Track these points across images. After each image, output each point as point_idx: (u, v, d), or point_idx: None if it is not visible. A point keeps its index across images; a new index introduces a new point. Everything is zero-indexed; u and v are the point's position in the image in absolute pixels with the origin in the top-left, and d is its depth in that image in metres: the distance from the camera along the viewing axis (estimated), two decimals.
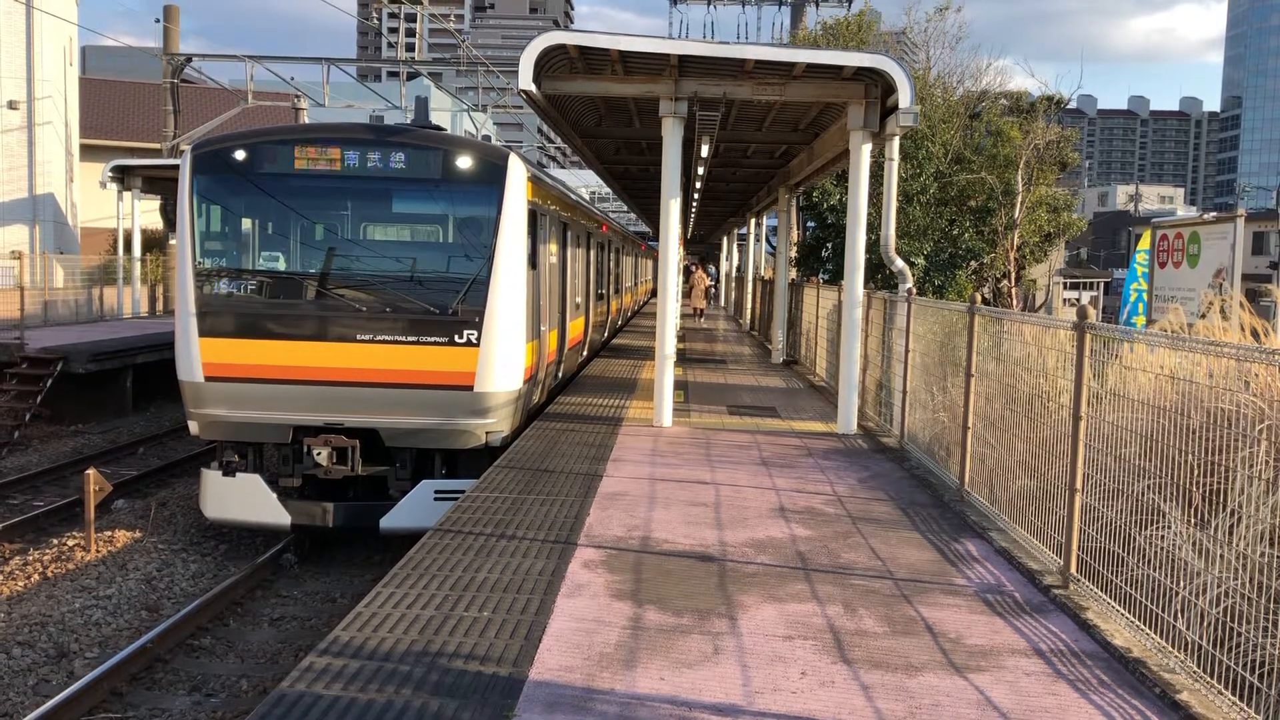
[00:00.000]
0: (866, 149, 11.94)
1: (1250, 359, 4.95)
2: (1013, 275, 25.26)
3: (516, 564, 6.57)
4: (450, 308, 10.34)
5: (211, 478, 10.71)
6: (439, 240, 11.11)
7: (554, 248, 13.50)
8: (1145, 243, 16.37)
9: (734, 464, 10.00)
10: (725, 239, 43.58)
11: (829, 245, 24.67)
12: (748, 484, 9.14)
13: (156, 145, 30.38)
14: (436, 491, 10.36)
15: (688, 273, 33.60)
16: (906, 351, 10.79)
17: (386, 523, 10.36)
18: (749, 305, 30.70)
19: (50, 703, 7.03)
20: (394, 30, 29.79)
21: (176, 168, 11.22)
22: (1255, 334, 6.84)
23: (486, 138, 12.54)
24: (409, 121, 11.68)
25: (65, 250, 29.82)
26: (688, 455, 10.36)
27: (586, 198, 30.07)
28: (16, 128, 28.78)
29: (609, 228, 23.22)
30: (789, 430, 12.09)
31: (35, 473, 14.46)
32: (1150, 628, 5.28)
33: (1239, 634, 4.65)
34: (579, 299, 16.57)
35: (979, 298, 8.97)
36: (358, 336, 10.30)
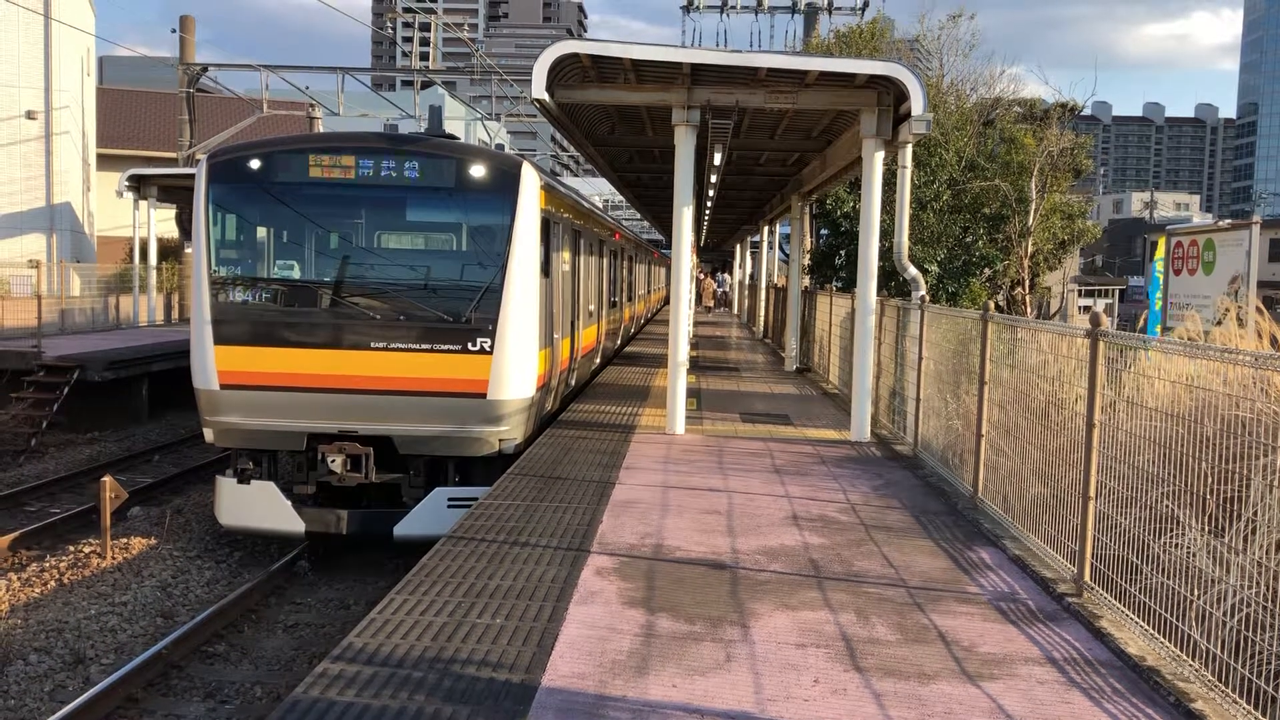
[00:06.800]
0: (879, 156, 11.93)
1: (1268, 366, 4.92)
2: (1027, 283, 25.16)
3: (529, 571, 6.58)
4: (463, 316, 10.37)
5: (226, 485, 10.76)
6: (452, 248, 11.15)
7: (567, 255, 13.53)
8: (1162, 250, 16.31)
9: (747, 471, 9.99)
10: (739, 246, 43.59)
11: (842, 253, 24.64)
12: (761, 491, 9.13)
13: (172, 154, 30.58)
14: (450, 499, 10.38)
15: (697, 281, 33.85)
16: (920, 359, 10.77)
17: (400, 530, 10.39)
18: (762, 313, 30.67)
19: (66, 708, 7.07)
20: (408, 39, 29.88)
21: (192, 176, 11.29)
22: (1274, 341, 6.80)
23: (500, 146, 12.58)
24: (423, 130, 11.73)
25: (82, 259, 30.05)
26: (700, 463, 10.36)
27: (600, 206, 30.13)
28: (34, 137, 29.03)
29: (621, 235, 23.26)
30: (802, 438, 12.07)
31: (52, 480, 14.56)
32: (1165, 636, 5.25)
33: (1255, 643, 4.62)
34: (592, 306, 16.60)
35: (993, 305, 8.95)
36: (371, 344, 10.34)
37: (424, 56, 29.47)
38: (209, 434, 10.66)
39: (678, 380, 12.04)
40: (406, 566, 6.77)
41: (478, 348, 10.35)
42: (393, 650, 5.20)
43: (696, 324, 29.94)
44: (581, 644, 5.37)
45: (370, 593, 10.09)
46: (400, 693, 4.70)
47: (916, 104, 10.79)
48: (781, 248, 32.94)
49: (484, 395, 10.37)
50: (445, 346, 10.34)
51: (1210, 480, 5.30)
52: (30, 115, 28.75)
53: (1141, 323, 12.11)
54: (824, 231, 26.19)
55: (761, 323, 30.59)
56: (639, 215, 43.87)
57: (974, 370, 8.81)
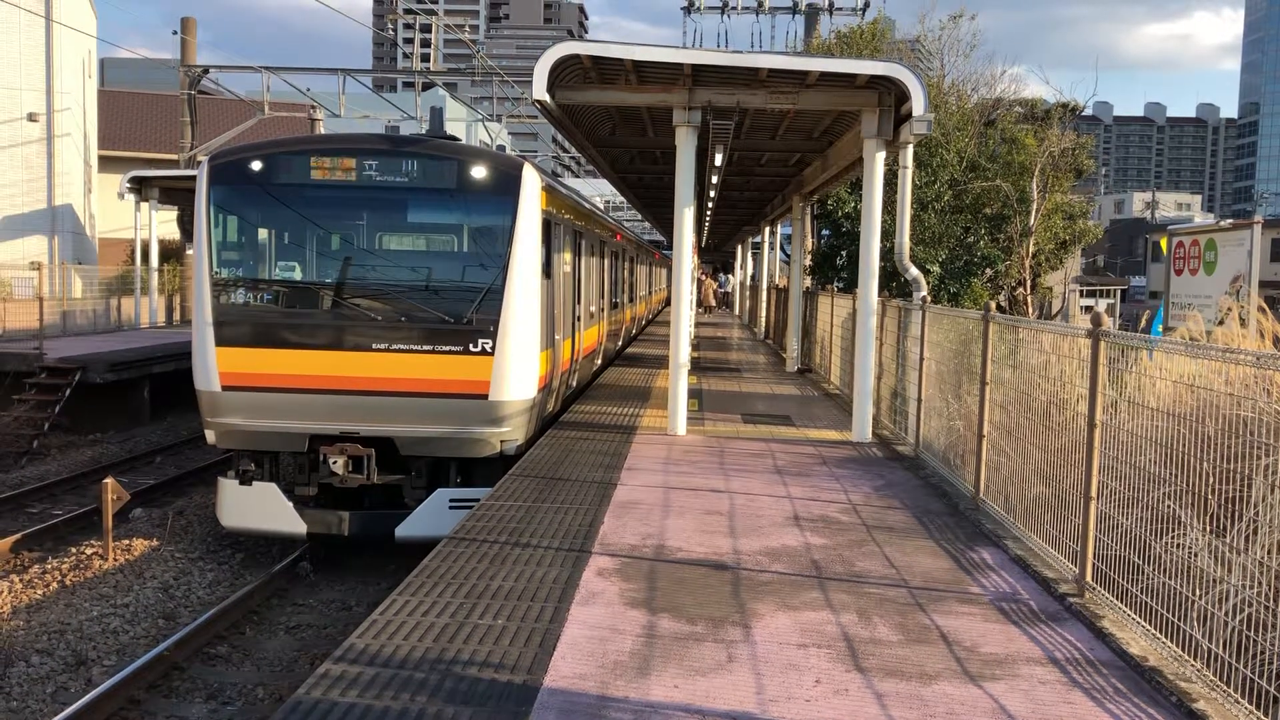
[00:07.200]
0: (880, 157, 11.93)
1: (1270, 366, 4.92)
2: (1028, 283, 25.14)
3: (531, 572, 6.59)
4: (465, 317, 10.38)
5: (228, 486, 10.76)
6: (454, 250, 11.16)
7: (568, 256, 13.54)
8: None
9: (748, 472, 9.99)
10: (740, 247, 43.60)
11: (843, 253, 24.63)
12: (762, 492, 9.13)
13: (174, 156, 30.61)
14: (451, 500, 10.38)
15: (699, 283, 33.99)
16: (921, 360, 10.77)
17: (402, 531, 10.39)
18: (763, 313, 30.67)
19: (69, 710, 7.07)
20: (409, 41, 29.85)
21: (194, 178, 11.30)
22: (1276, 340, 6.79)
23: (501, 148, 12.59)
24: (424, 132, 11.73)
25: (83, 261, 30.07)
26: (702, 463, 10.36)
27: (601, 207, 30.15)
28: (36, 139, 29.07)
29: (623, 236, 23.27)
30: (803, 438, 12.07)
31: (54, 481, 14.57)
32: (1167, 636, 5.25)
33: (1257, 643, 4.62)
34: (593, 307, 16.60)
35: (994, 305, 8.94)
36: (373, 346, 10.34)
37: (425, 58, 29.48)
38: (210, 435, 10.66)
39: (679, 381, 12.04)
40: (408, 568, 6.77)
41: (479, 349, 10.36)
42: (395, 651, 5.20)
43: (698, 325, 29.96)
44: (583, 645, 5.38)
45: (372, 594, 10.09)
46: (402, 694, 4.70)
47: (917, 104, 10.79)
48: (783, 248, 32.92)
49: (485, 396, 10.37)
50: (447, 348, 10.35)
51: (1212, 480, 5.30)
52: (32, 117, 28.79)
53: (1144, 323, 12.10)
54: (825, 232, 26.18)
55: (763, 323, 30.59)
56: (640, 216, 43.87)
57: (975, 371, 8.80)
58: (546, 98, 10.93)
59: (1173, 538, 5.38)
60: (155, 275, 27.23)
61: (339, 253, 10.81)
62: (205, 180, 10.59)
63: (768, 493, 9.11)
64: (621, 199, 39.48)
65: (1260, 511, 5.00)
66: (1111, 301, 51.62)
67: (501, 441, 10.54)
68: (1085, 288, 53.49)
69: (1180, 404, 5.67)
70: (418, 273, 10.75)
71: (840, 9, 27.25)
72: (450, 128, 14.22)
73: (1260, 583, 4.78)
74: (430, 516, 10.30)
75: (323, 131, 28.48)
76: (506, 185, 10.55)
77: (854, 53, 26.45)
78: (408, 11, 30.59)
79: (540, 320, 11.02)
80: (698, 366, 19.58)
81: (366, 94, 35.21)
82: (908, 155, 11.88)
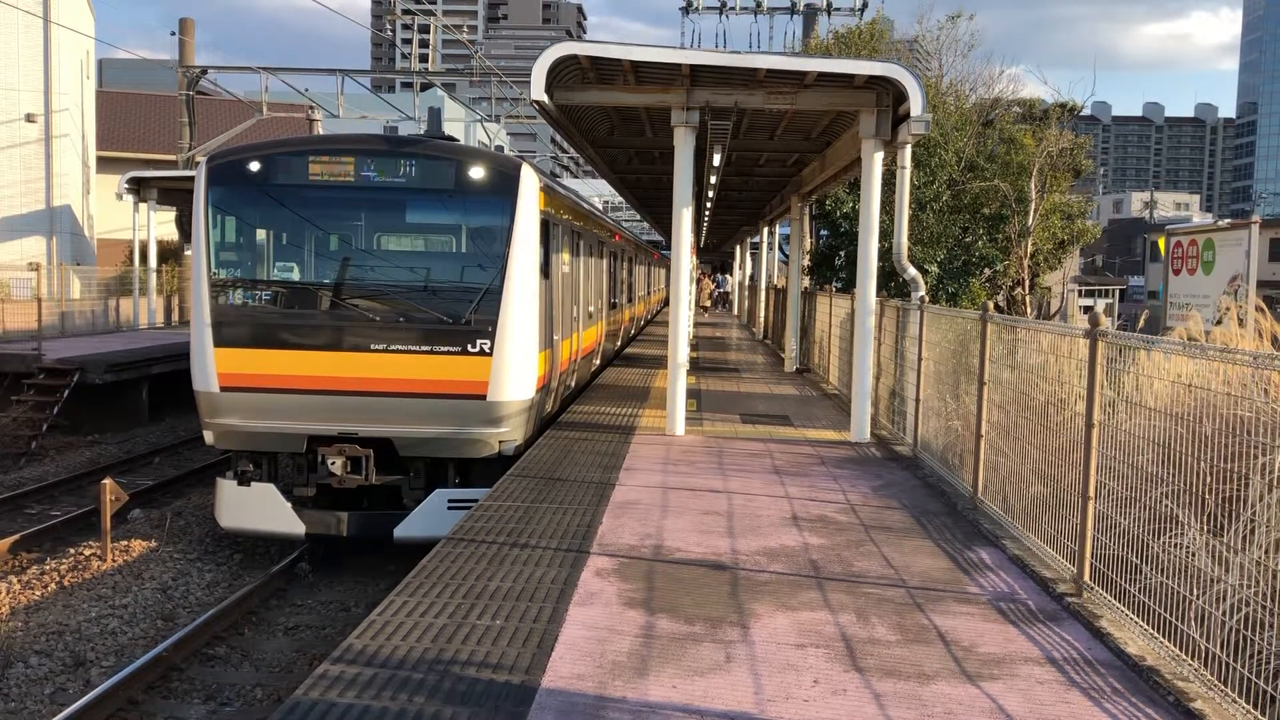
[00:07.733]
0: (879, 157, 11.93)
1: (1267, 366, 4.92)
2: (1026, 283, 25.16)
3: (529, 572, 6.59)
4: (463, 317, 10.38)
5: (226, 487, 10.76)
6: (452, 250, 11.16)
7: (566, 257, 13.54)
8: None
9: (747, 472, 10.00)
10: (738, 247, 43.60)
11: (842, 253, 24.66)
12: (760, 492, 9.13)
13: (172, 157, 30.60)
14: (450, 500, 10.38)
15: (697, 282, 34.08)
16: (919, 360, 10.77)
17: (400, 532, 10.39)
18: (762, 314, 30.67)
19: (67, 711, 7.07)
20: (407, 41, 29.87)
21: (192, 179, 11.30)
22: (1274, 340, 6.80)
23: (500, 148, 12.59)
24: (422, 132, 11.73)
25: (82, 261, 30.06)
26: (700, 464, 10.36)
27: (599, 207, 30.15)
28: (34, 140, 29.05)
29: (621, 237, 23.27)
30: (802, 439, 12.07)
31: (52, 482, 14.56)
32: (1164, 636, 5.25)
33: (1254, 642, 4.63)
34: (592, 308, 16.60)
35: (992, 305, 8.95)
36: (371, 346, 10.34)
37: (423, 58, 29.47)
38: (209, 436, 10.66)
39: (677, 381, 12.04)
40: (407, 568, 6.77)
41: (477, 349, 10.36)
42: (393, 652, 5.20)
43: (696, 325, 29.98)
44: (581, 645, 5.38)
45: (370, 594, 10.09)
46: (400, 694, 4.70)
47: (915, 104, 10.79)
48: (781, 248, 32.95)
49: (484, 397, 10.37)
50: (445, 348, 10.35)
51: (1209, 479, 5.31)
52: (30, 118, 28.77)
53: (1143, 323, 12.13)
54: (824, 232, 26.21)
55: (761, 323, 30.60)
56: (639, 216, 43.88)
57: (973, 370, 8.81)
58: (545, 98, 10.93)
59: (1170, 537, 5.39)
60: (154, 276, 27.20)
61: (337, 253, 10.80)
62: (203, 181, 10.59)
63: (766, 493, 9.11)
64: (620, 199, 39.49)
65: (1258, 511, 5.01)
66: (1110, 301, 51.67)
67: (500, 442, 10.54)
68: (1084, 287, 53.54)
69: (1178, 404, 5.68)
70: (416, 273, 10.75)
71: (838, 9, 27.25)
72: (448, 128, 14.23)
73: (1258, 582, 4.78)
74: (429, 517, 10.30)
75: (321, 132, 28.48)
76: (504, 186, 10.55)
77: (852, 53, 26.48)
78: (406, 12, 30.58)
79: (538, 320, 11.03)
80: (696, 366, 19.59)
81: (365, 94, 35.20)
82: (906, 155, 11.88)
